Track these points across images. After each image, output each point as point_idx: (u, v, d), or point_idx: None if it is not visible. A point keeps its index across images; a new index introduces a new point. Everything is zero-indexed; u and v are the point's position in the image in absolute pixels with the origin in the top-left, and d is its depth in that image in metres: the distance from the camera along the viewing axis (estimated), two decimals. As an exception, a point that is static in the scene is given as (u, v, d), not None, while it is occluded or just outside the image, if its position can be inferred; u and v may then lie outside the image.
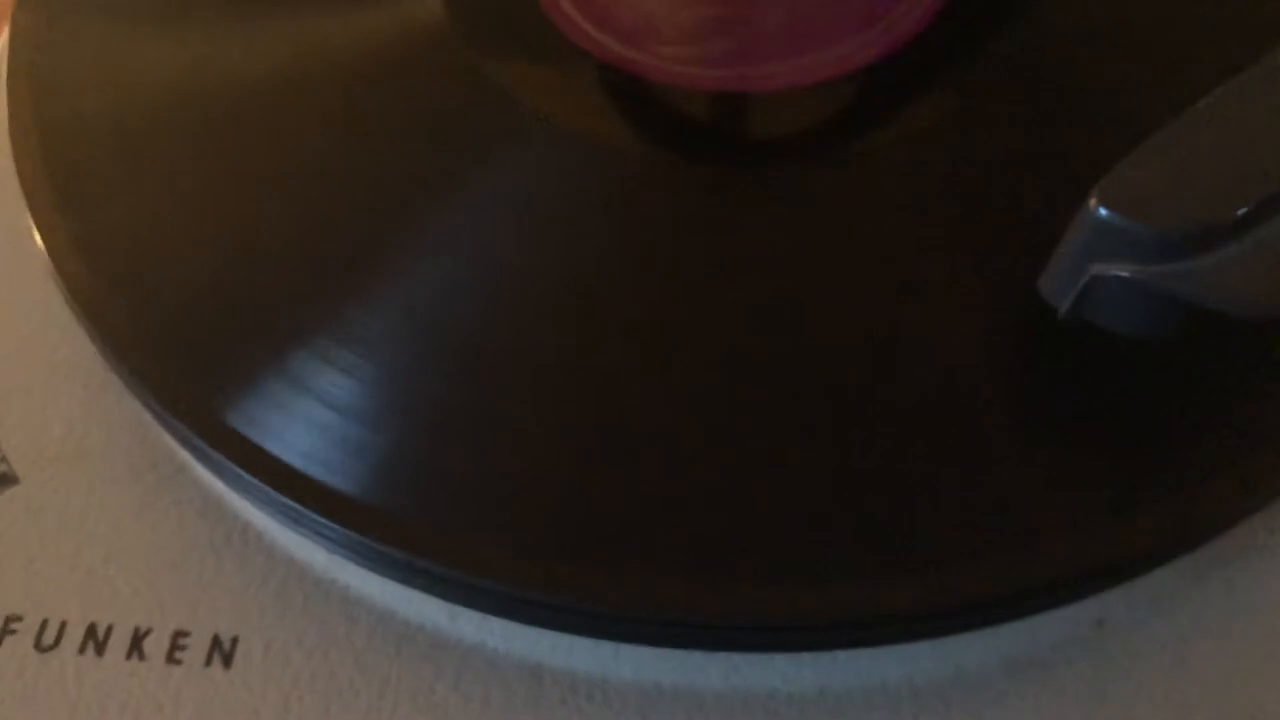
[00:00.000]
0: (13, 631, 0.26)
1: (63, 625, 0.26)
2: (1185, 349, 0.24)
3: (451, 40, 0.30)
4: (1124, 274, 0.20)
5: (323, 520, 0.24)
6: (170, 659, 0.25)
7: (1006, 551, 0.23)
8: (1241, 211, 0.20)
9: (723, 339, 0.25)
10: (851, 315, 0.25)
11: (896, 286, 0.25)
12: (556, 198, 0.27)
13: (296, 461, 0.24)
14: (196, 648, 0.25)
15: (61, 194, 0.29)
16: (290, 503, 0.24)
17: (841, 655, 0.24)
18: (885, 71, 0.28)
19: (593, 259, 0.26)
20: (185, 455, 0.27)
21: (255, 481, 0.24)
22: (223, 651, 0.25)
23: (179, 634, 0.25)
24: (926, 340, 0.25)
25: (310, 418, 0.25)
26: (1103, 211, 0.20)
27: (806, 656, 0.24)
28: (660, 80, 0.29)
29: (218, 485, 0.27)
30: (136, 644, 0.25)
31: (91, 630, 0.25)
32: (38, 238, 0.28)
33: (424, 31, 0.30)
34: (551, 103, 0.29)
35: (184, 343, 0.26)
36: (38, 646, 0.25)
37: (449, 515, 0.24)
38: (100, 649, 0.25)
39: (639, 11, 0.30)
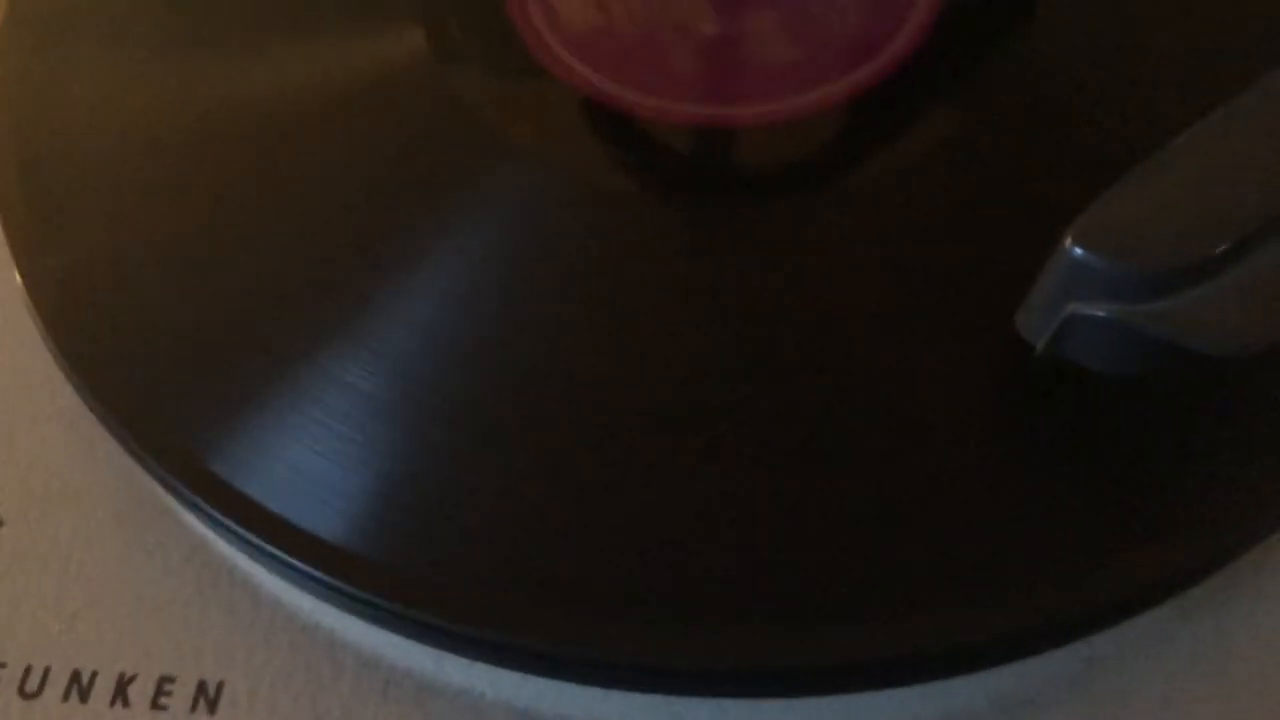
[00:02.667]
0: (-4, 678, 0.26)
1: (46, 671, 0.26)
2: (1172, 389, 0.24)
3: (433, 73, 0.30)
4: (1100, 313, 0.21)
5: (305, 567, 0.24)
6: (155, 705, 0.26)
7: (995, 596, 0.23)
8: (1218, 251, 0.21)
9: (705, 379, 0.26)
10: (832, 356, 0.26)
11: (879, 325, 0.26)
12: (538, 236, 0.28)
13: (279, 507, 0.25)
14: (181, 694, 0.26)
15: (41, 230, 0.29)
16: (272, 549, 0.24)
17: (831, 699, 0.25)
18: (867, 107, 0.29)
19: (576, 297, 0.27)
20: (170, 498, 0.27)
21: (237, 527, 0.25)
22: (208, 697, 0.26)
23: (164, 679, 0.26)
24: (911, 381, 0.25)
25: (293, 463, 0.25)
26: (1077, 251, 0.21)
27: (795, 700, 0.25)
28: (644, 115, 0.30)
29: (203, 528, 0.27)
30: (121, 690, 0.26)
31: (75, 677, 0.26)
32: (16, 274, 0.29)
33: (406, 64, 0.31)
34: (534, 137, 0.29)
35: (165, 384, 0.27)
36: (21, 693, 0.26)
37: (432, 561, 0.24)
38: (84, 696, 0.26)
39: (623, 45, 0.31)
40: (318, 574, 0.24)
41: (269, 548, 0.25)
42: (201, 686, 0.26)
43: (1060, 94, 0.29)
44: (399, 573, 0.24)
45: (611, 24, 0.31)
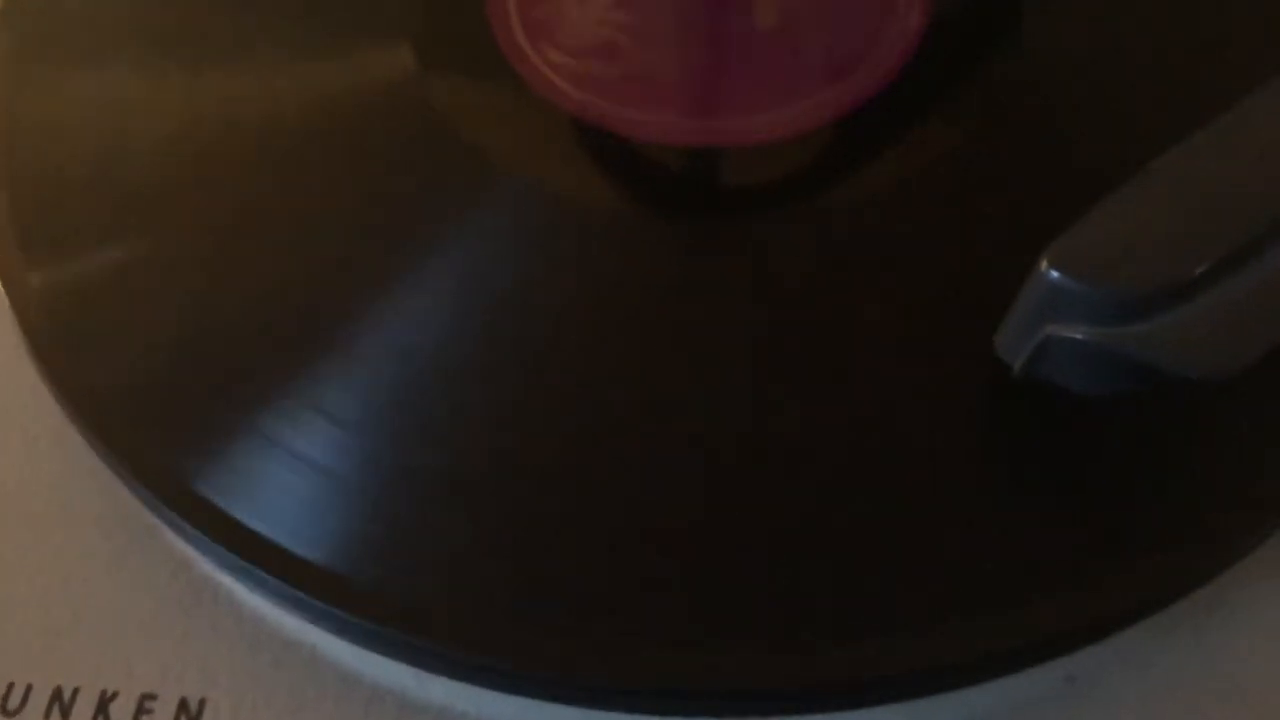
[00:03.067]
0: (-22, 696, 0.26)
1: (29, 689, 0.26)
2: (1151, 409, 0.25)
3: (423, 94, 0.31)
4: (1077, 336, 0.21)
5: (288, 587, 0.24)
6: None
7: (975, 616, 0.23)
8: (1194, 274, 0.21)
9: (687, 401, 0.26)
10: (817, 374, 0.26)
11: (864, 344, 0.26)
12: (528, 256, 0.28)
13: (263, 528, 0.25)
14: (163, 711, 0.26)
15: (27, 246, 0.30)
16: (255, 569, 0.25)
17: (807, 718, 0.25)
18: (855, 124, 0.29)
19: (563, 320, 0.27)
20: (155, 517, 0.28)
21: (220, 548, 0.25)
22: (189, 714, 0.26)
23: (146, 697, 0.26)
24: (891, 400, 0.25)
25: (279, 484, 0.26)
26: (1054, 274, 0.21)
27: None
28: (632, 135, 0.30)
29: (187, 546, 0.27)
30: (103, 708, 0.26)
31: (58, 694, 0.26)
32: (2, 290, 0.29)
33: (391, 84, 0.31)
34: (523, 157, 0.29)
35: (150, 404, 0.27)
36: (3, 710, 0.26)
37: (416, 583, 0.24)
38: (66, 713, 0.26)
39: (611, 65, 0.31)
40: (300, 594, 0.25)
41: (252, 568, 0.25)
42: (183, 704, 0.26)
43: (1050, 110, 0.29)
44: (381, 593, 0.24)
45: (599, 42, 0.32)
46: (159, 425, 0.27)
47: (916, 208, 0.28)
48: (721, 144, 0.30)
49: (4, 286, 0.29)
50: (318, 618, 0.25)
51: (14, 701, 0.26)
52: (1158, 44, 0.29)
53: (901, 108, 0.29)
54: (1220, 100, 0.24)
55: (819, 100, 0.30)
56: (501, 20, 0.32)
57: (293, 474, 0.26)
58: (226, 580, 0.27)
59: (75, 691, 0.26)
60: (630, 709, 0.24)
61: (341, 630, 0.25)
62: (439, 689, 0.26)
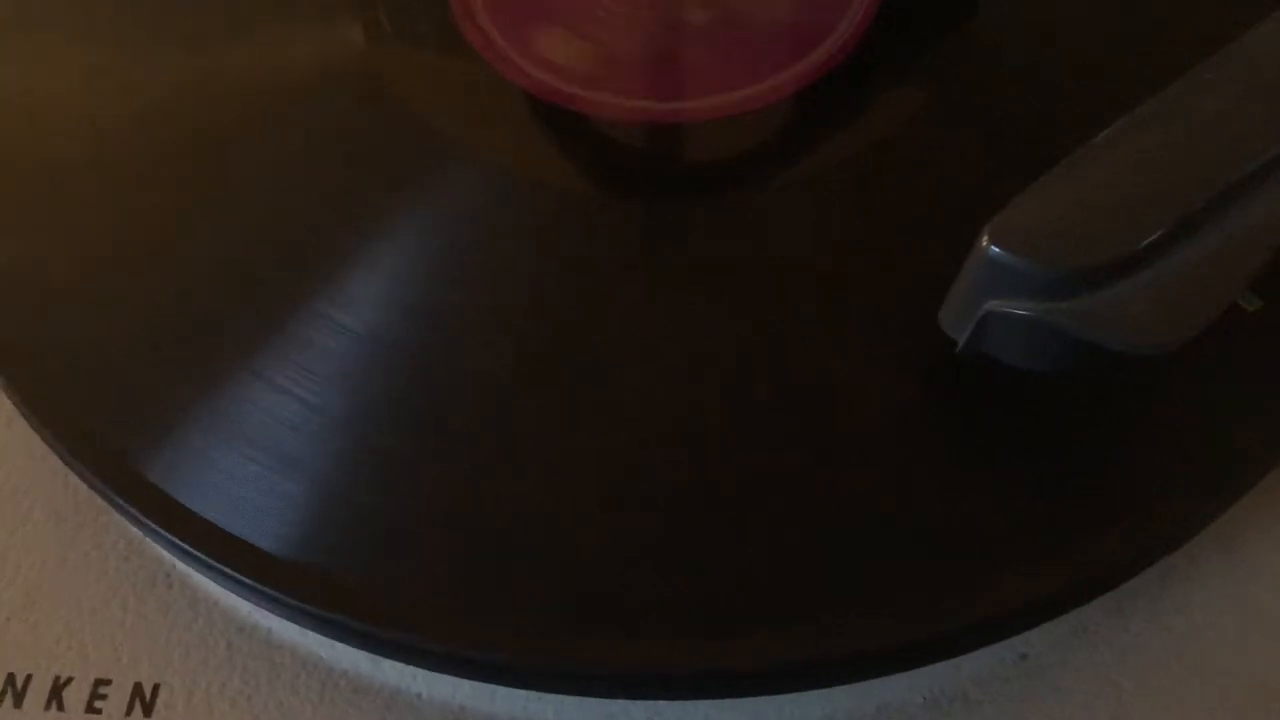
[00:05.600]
0: (-71, 683, 0.27)
1: None
2: (1102, 385, 0.25)
3: (372, 71, 0.31)
4: (1017, 311, 0.22)
5: (236, 574, 0.25)
6: (90, 708, 0.26)
7: (929, 595, 0.24)
8: (1132, 249, 0.21)
9: (642, 382, 0.26)
10: (769, 352, 0.26)
11: (818, 323, 0.27)
12: (483, 236, 0.29)
13: (214, 516, 0.26)
14: (117, 696, 0.26)
15: None
16: (204, 556, 0.25)
17: (764, 699, 0.25)
18: (812, 99, 0.30)
19: (521, 300, 0.28)
20: (105, 500, 0.28)
21: (168, 535, 0.25)
22: (144, 700, 0.26)
23: (100, 682, 0.27)
24: (848, 377, 0.26)
25: (225, 469, 0.26)
26: (994, 250, 0.22)
27: (728, 700, 0.25)
28: (586, 111, 0.30)
29: (140, 529, 0.28)
30: (56, 694, 0.26)
31: (10, 680, 0.27)
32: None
33: (344, 64, 0.31)
34: (475, 135, 0.30)
35: (97, 389, 0.27)
36: (-43, 697, 0.26)
37: (365, 567, 0.25)
38: (19, 700, 0.26)
39: (567, 42, 0.32)
40: (249, 580, 0.25)
41: (200, 554, 0.25)
42: (138, 689, 0.26)
43: (1004, 85, 0.30)
44: (331, 578, 0.25)
45: (557, 22, 0.32)
46: (108, 411, 0.27)
47: (868, 183, 0.28)
48: (674, 121, 0.30)
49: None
50: (268, 603, 0.25)
51: (-34, 688, 0.27)
52: (1110, 22, 0.30)
53: (854, 84, 0.30)
54: (1173, 73, 0.24)
55: (776, 73, 0.30)
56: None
57: (240, 459, 0.26)
58: (180, 564, 0.28)
59: (28, 678, 0.27)
60: (576, 691, 0.25)
61: (291, 615, 0.25)
62: (394, 672, 0.26)
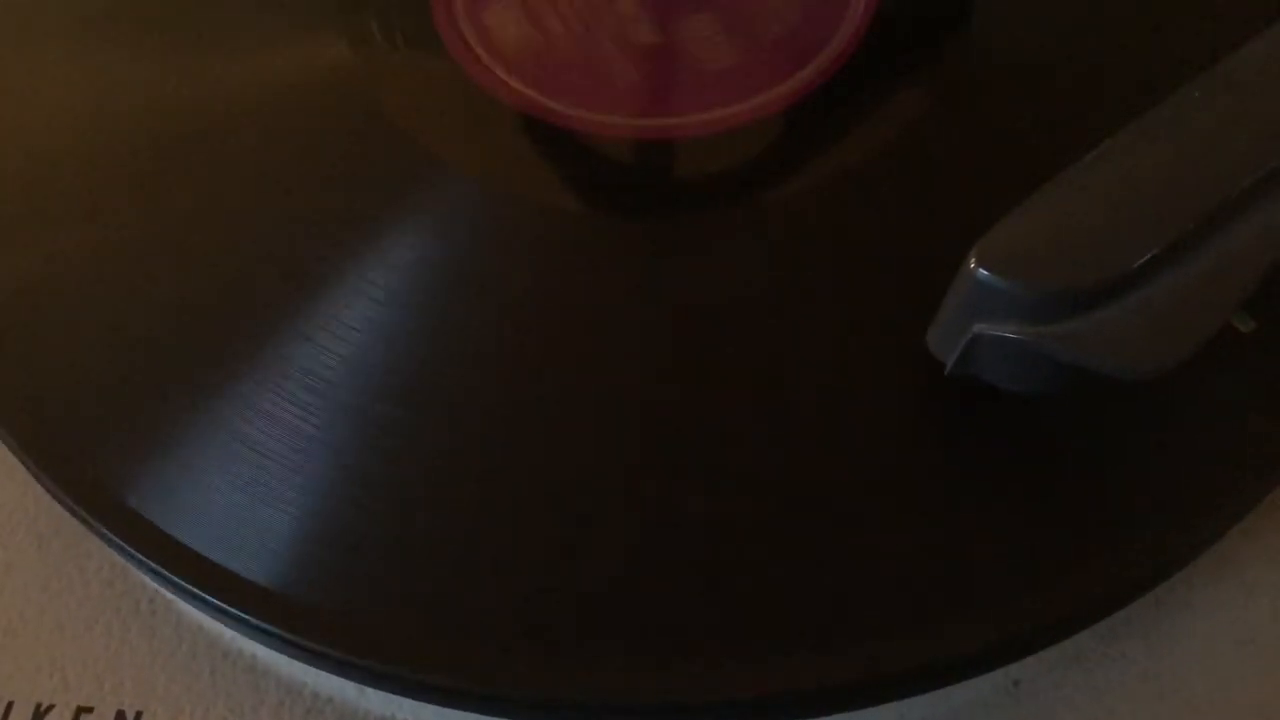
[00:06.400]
0: (-90, 711, 0.27)
1: None
2: (1097, 408, 0.25)
3: (365, 90, 0.31)
4: (1005, 334, 0.22)
5: (220, 603, 0.25)
6: None
7: (921, 625, 0.24)
8: (1121, 272, 0.21)
9: (633, 397, 0.26)
10: (761, 373, 0.26)
11: (809, 340, 0.27)
12: (471, 255, 0.28)
13: (197, 545, 0.25)
14: (100, 723, 0.26)
15: None
16: (187, 585, 0.25)
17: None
18: (804, 114, 0.30)
19: (508, 319, 0.28)
20: (87, 527, 0.28)
21: (150, 563, 0.25)
22: (127, 727, 0.26)
23: (82, 710, 0.27)
24: (839, 399, 0.26)
25: (209, 497, 0.26)
26: (981, 272, 0.22)
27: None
28: (575, 128, 0.30)
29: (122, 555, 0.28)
30: (38, 720, 0.26)
31: (-9, 708, 0.27)
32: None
33: (331, 81, 0.31)
34: (465, 154, 0.30)
35: (79, 416, 0.27)
36: (-64, 725, 0.27)
37: (353, 601, 0.25)
38: (0, 727, 0.26)
39: (557, 58, 0.32)
40: (233, 609, 0.25)
41: (183, 583, 0.25)
42: (120, 716, 0.26)
43: (1000, 99, 0.30)
44: (316, 609, 0.25)
45: (545, 37, 0.32)
46: (90, 438, 0.27)
47: (872, 197, 0.28)
48: (668, 136, 0.30)
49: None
50: (252, 632, 0.25)
51: (-54, 715, 0.27)
52: (1108, 35, 0.30)
53: (847, 99, 0.30)
54: (1172, 81, 0.24)
55: (768, 88, 0.30)
56: (445, 9, 0.32)
57: (224, 486, 0.26)
58: (163, 590, 0.28)
59: (9, 705, 0.27)
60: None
61: (275, 644, 0.25)
62: (378, 699, 0.26)
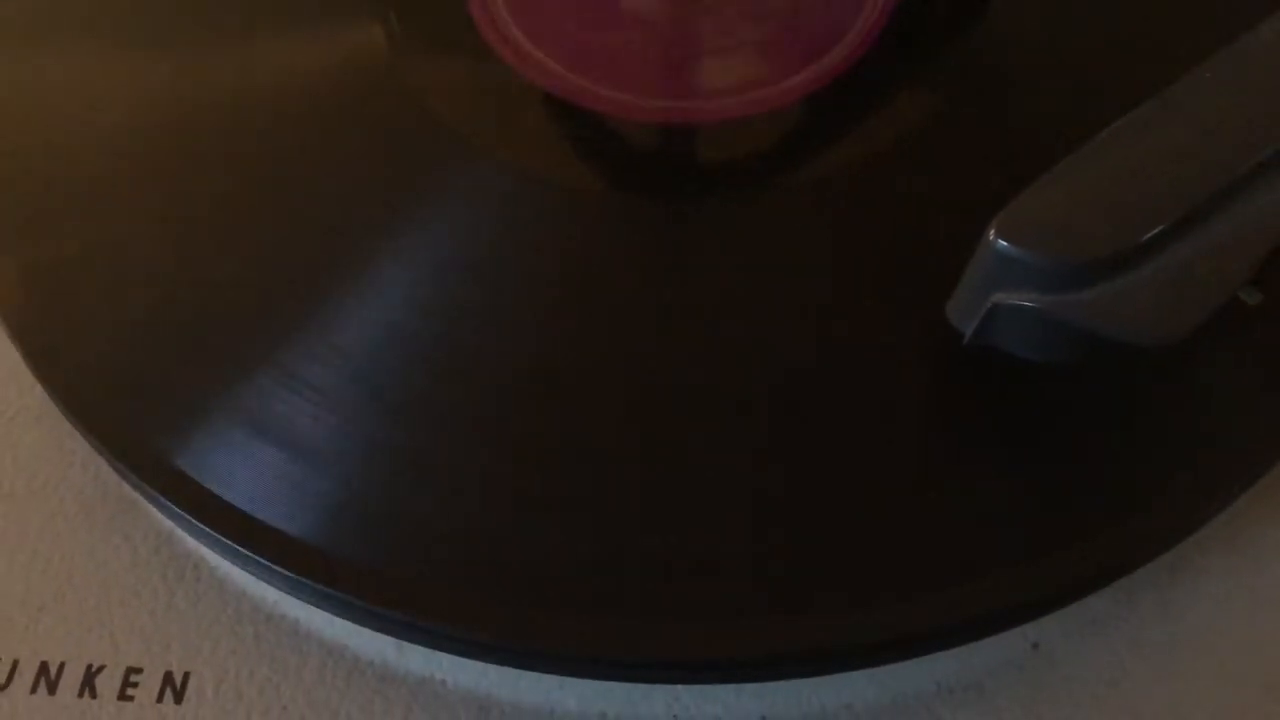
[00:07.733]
0: (-35, 672, 0.28)
1: (15, 664, 0.28)
2: (1113, 375, 0.26)
3: (394, 71, 0.32)
4: (1024, 304, 0.23)
5: (267, 562, 0.26)
6: (122, 696, 0.27)
7: (940, 583, 0.25)
8: (1139, 242, 0.23)
9: (655, 377, 0.28)
10: (785, 350, 0.28)
11: (831, 318, 0.28)
12: (500, 234, 0.30)
13: (243, 504, 0.27)
14: (148, 684, 0.27)
15: (4, 227, 0.31)
16: (235, 545, 0.26)
17: (782, 684, 0.27)
18: (827, 99, 0.31)
19: (538, 296, 0.29)
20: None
21: (200, 524, 0.27)
22: (174, 688, 0.27)
23: (131, 670, 0.28)
24: (863, 370, 0.27)
25: (258, 459, 0.27)
26: (1001, 243, 0.23)
27: (748, 686, 0.27)
28: (605, 112, 0.32)
29: (169, 520, 0.29)
30: (89, 682, 0.28)
31: (44, 669, 0.28)
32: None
33: (364, 63, 0.33)
34: (494, 135, 0.31)
35: (129, 381, 0.29)
36: (-9, 686, 0.28)
37: (395, 556, 0.26)
38: (52, 688, 0.27)
39: (586, 42, 0.33)
40: (280, 569, 0.26)
41: (232, 543, 0.26)
42: (168, 677, 0.28)
43: (1018, 85, 0.31)
44: (361, 566, 0.26)
45: (574, 18, 0.33)
46: (138, 402, 0.28)
47: (892, 180, 0.29)
48: (692, 120, 0.32)
49: (-17, 267, 0.31)
50: (297, 590, 0.27)
51: (0, 676, 0.28)
52: (1126, 24, 0.31)
53: (868, 85, 0.31)
54: (1180, 70, 0.26)
55: (792, 74, 0.31)
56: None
57: (271, 448, 0.27)
58: (209, 554, 0.29)
59: (61, 666, 0.28)
60: (599, 676, 0.26)
61: (321, 602, 0.27)
62: (419, 660, 0.28)
